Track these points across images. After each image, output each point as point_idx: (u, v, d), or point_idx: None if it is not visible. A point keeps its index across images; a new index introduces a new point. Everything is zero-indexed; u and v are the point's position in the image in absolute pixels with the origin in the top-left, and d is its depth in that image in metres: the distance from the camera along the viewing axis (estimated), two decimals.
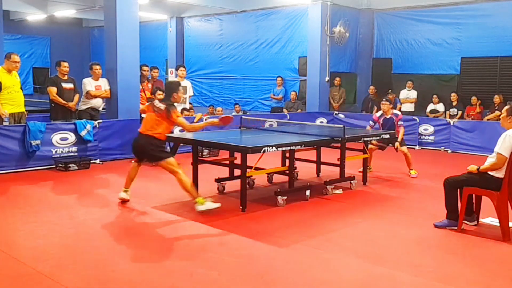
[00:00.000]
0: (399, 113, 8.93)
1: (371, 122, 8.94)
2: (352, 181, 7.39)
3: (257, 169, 6.58)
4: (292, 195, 6.57)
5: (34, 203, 6.41)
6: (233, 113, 14.06)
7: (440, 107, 13.00)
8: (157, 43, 18.48)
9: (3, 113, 8.13)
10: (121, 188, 6.47)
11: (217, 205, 5.90)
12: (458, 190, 5.42)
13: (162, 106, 6.07)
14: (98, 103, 9.67)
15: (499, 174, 5.12)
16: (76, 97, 9.27)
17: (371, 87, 14.12)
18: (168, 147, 9.32)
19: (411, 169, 8.51)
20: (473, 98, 12.49)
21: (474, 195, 5.48)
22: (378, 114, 8.88)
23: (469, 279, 4.17)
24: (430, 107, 13.13)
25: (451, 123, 11.51)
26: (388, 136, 8.21)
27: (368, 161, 8.48)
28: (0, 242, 4.88)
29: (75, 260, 4.45)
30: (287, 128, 8.57)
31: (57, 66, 9.21)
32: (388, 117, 8.69)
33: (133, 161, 6.55)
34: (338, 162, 7.24)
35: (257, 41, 15.79)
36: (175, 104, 6.19)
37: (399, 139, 8.45)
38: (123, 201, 6.39)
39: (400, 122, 8.65)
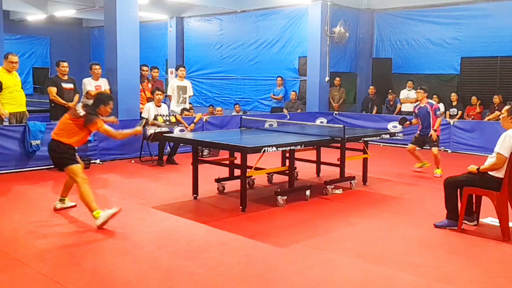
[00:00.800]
0: (434, 102, 8.79)
1: (414, 115, 8.93)
2: (352, 181, 7.40)
3: (257, 169, 6.58)
4: (292, 195, 6.57)
5: (34, 203, 6.41)
6: (233, 113, 14.07)
7: (440, 107, 12.98)
8: (157, 43, 18.49)
9: (3, 113, 8.13)
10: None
11: (114, 210, 5.34)
12: (458, 190, 5.42)
13: (82, 112, 5.49)
14: None
15: (499, 174, 5.12)
16: (76, 97, 9.26)
17: (371, 87, 14.12)
18: (168, 147, 9.37)
19: (437, 168, 8.53)
20: (473, 98, 12.50)
21: (474, 195, 5.48)
22: (415, 104, 8.84)
23: (469, 279, 4.17)
24: None
25: (451, 123, 11.50)
26: (388, 136, 8.23)
27: (417, 159, 8.73)
28: (0, 242, 4.88)
29: (75, 260, 4.45)
30: (287, 128, 8.57)
31: (57, 66, 9.21)
32: (422, 105, 8.62)
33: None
34: (338, 162, 7.24)
35: (257, 41, 15.79)
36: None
37: (435, 127, 8.47)
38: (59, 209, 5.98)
39: (437, 113, 8.57)
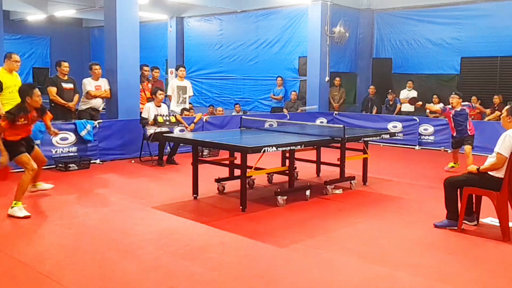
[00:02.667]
0: (469, 104, 8.69)
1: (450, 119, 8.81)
2: (352, 181, 7.39)
3: (257, 169, 6.57)
4: (292, 195, 6.57)
5: (34, 203, 6.40)
6: (233, 113, 14.07)
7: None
8: (157, 43, 18.48)
9: (3, 113, 8.12)
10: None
11: (25, 213, 5.68)
12: (458, 190, 5.42)
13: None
14: (98, 103, 9.67)
15: (499, 174, 5.12)
16: (76, 97, 9.27)
17: (371, 87, 14.11)
18: (168, 147, 9.37)
19: (455, 163, 8.74)
20: (473, 98, 12.48)
21: (474, 195, 5.48)
22: (449, 107, 8.72)
23: (469, 279, 4.17)
24: None
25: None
26: (388, 136, 8.23)
27: (454, 160, 8.77)
28: (0, 242, 4.88)
29: (75, 260, 4.45)
30: (287, 128, 8.57)
31: (57, 66, 9.21)
32: (459, 109, 8.48)
33: None
34: (338, 162, 7.24)
35: (257, 41, 15.79)
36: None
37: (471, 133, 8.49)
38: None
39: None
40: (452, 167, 8.79)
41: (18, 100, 8.40)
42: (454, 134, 8.66)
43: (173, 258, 4.52)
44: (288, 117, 12.51)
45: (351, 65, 14.96)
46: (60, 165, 8.53)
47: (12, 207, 5.75)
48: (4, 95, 8.14)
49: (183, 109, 10.67)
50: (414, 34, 13.97)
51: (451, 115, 8.56)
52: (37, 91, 6.05)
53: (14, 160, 6.04)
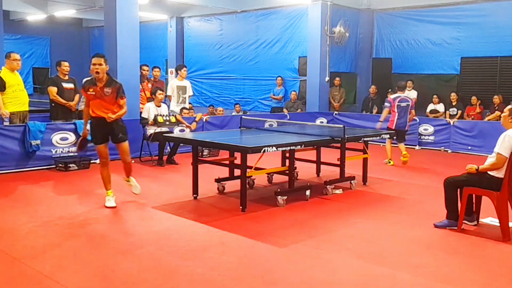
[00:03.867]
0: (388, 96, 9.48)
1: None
2: (352, 181, 7.39)
3: (257, 169, 6.58)
4: (292, 195, 6.57)
5: (34, 203, 6.41)
6: (233, 113, 14.07)
7: (440, 107, 13.01)
8: (157, 43, 18.49)
9: (3, 113, 8.14)
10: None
11: (111, 204, 6.25)
12: (458, 190, 5.42)
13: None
14: None
15: (499, 174, 5.12)
16: (77, 97, 9.27)
17: (372, 86, 14.10)
18: (168, 147, 9.37)
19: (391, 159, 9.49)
20: (473, 98, 12.49)
21: (474, 195, 5.48)
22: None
23: (469, 279, 4.17)
24: (430, 107, 13.13)
25: (451, 123, 11.51)
26: (388, 136, 8.28)
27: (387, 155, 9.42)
28: (0, 242, 4.88)
29: (75, 260, 4.45)
30: (287, 128, 8.58)
31: (58, 66, 9.21)
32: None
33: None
34: (338, 162, 7.24)
35: (257, 41, 15.79)
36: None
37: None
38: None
39: (383, 105, 9.73)
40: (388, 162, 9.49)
41: (21, 99, 8.51)
42: None
43: (173, 258, 4.52)
44: (288, 117, 12.52)
45: (351, 65, 14.96)
46: (60, 165, 8.53)
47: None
48: (8, 94, 8.17)
49: (183, 109, 10.67)
50: (414, 34, 13.97)
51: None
52: (94, 60, 6.60)
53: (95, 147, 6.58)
